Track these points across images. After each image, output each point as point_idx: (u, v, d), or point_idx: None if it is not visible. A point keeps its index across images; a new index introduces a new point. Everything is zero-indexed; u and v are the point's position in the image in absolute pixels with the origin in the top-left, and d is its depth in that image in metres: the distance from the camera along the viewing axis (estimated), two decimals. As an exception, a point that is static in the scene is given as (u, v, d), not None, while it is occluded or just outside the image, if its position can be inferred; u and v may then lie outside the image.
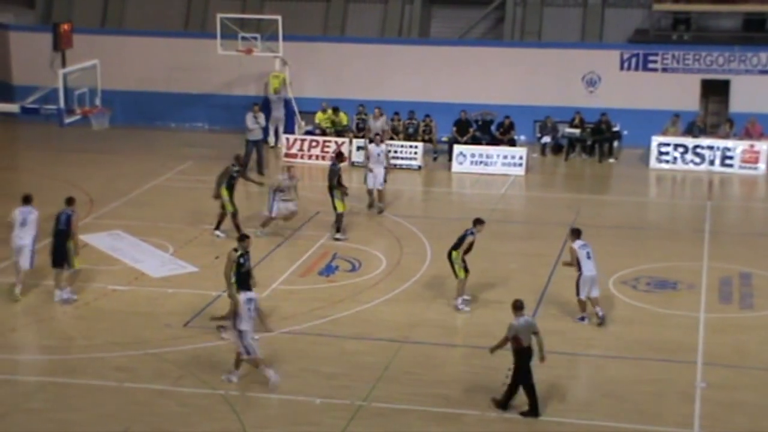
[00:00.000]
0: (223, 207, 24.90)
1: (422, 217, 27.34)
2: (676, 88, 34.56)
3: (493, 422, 16.63)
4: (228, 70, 35.97)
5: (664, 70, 34.90)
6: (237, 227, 24.60)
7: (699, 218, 27.77)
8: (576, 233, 20.64)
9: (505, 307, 21.08)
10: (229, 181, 24.78)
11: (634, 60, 35.08)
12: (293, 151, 33.20)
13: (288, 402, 17.17)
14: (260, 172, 30.93)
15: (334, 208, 25.19)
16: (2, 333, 19.69)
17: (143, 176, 30.38)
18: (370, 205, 27.68)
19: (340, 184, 25.21)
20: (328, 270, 23.25)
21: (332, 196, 25.18)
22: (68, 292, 21.09)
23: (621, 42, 36.78)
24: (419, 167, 32.21)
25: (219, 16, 34.95)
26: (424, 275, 22.79)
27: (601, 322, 20.32)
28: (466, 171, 32.00)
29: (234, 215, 24.79)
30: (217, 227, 25.08)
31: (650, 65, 35.00)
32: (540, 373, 18.25)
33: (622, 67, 35.15)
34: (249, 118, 31.37)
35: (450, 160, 32.52)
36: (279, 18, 34.21)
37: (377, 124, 32.08)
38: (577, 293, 20.41)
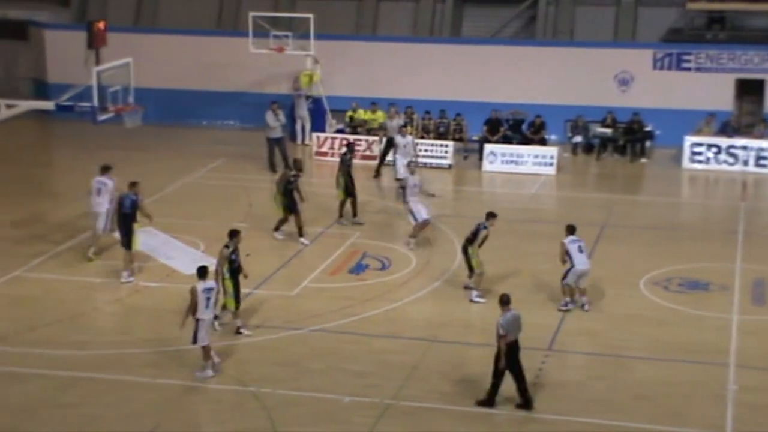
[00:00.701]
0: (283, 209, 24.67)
1: (452, 216, 27.27)
2: (710, 88, 34.32)
3: (522, 422, 16.60)
4: (260, 69, 36.08)
5: (698, 69, 34.67)
6: (276, 229, 24.58)
7: (732, 219, 27.57)
8: (569, 229, 21.13)
9: (535, 307, 21.17)
10: (286, 186, 24.50)
11: (667, 59, 34.87)
12: (324, 149, 33.27)
13: (317, 400, 17.21)
14: (287, 166, 31.05)
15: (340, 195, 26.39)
16: (36, 328, 19.87)
17: (175, 174, 30.54)
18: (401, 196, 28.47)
19: (349, 175, 26.24)
20: (358, 268, 23.29)
21: (337, 184, 26.29)
22: (126, 275, 22.11)
23: (654, 41, 36.56)
24: (450, 166, 32.19)
25: (251, 14, 35.08)
26: (454, 274, 22.76)
27: (584, 306, 20.91)
28: (496, 170, 31.94)
29: (281, 221, 24.59)
30: (277, 228, 24.82)
31: (684, 64, 34.78)
32: (571, 373, 18.26)
33: (655, 67, 34.96)
34: (269, 116, 31.43)
35: (481, 159, 32.48)
36: (311, 16, 34.29)
37: (392, 123, 31.94)
38: (563, 278, 20.78)
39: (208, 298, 17.68)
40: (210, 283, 17.93)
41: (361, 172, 31.65)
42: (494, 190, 31.09)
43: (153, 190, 28.84)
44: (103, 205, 22.99)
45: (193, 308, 17.61)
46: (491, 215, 21.59)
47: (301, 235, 24.61)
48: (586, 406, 17.09)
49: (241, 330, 19.68)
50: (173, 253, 23.94)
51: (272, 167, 31.28)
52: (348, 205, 26.41)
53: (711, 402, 17.32)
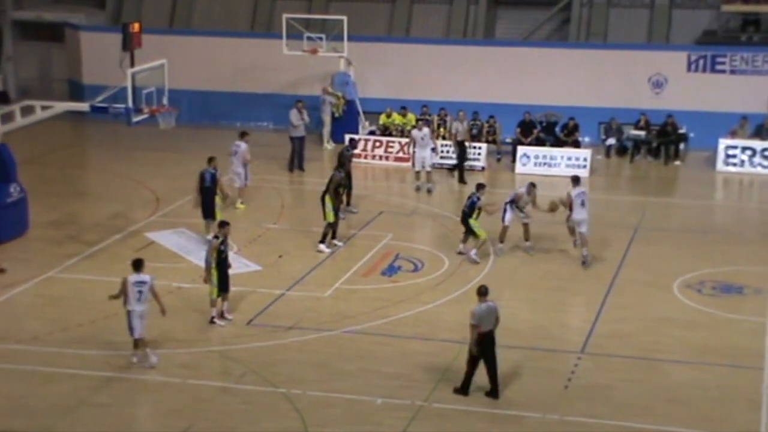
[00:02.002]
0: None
1: (484, 217, 27.17)
2: (744, 90, 34.01)
3: (555, 424, 16.56)
4: (293, 70, 36.18)
5: (733, 71, 34.40)
6: (324, 236, 24.08)
7: (766, 222, 27.38)
8: (575, 180, 23.62)
9: (569, 309, 21.12)
10: (336, 189, 24.34)
11: (701, 61, 34.64)
12: (357, 150, 33.24)
13: (349, 401, 17.24)
14: (301, 167, 31.29)
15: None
16: (70, 328, 20.02)
17: (208, 175, 30.62)
18: (418, 189, 29.42)
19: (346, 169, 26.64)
20: (391, 270, 23.30)
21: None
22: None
23: (688, 43, 36.34)
24: (483, 168, 32.11)
25: (285, 16, 35.19)
26: (486, 276, 22.72)
27: (585, 261, 23.20)
28: (529, 172, 31.79)
29: (329, 229, 24.20)
30: (323, 240, 24.23)
31: (718, 67, 34.52)
32: (604, 376, 18.19)
33: (689, 69, 34.71)
34: (293, 115, 31.62)
35: (514, 161, 32.41)
36: (344, 18, 34.35)
37: (461, 127, 31.51)
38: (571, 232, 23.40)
39: (140, 291, 18.02)
40: (143, 276, 18.19)
41: (394, 174, 31.75)
42: (527, 192, 30.98)
43: (186, 192, 28.98)
44: (238, 165, 27.15)
45: (123, 299, 18.06)
46: (481, 186, 23.80)
47: (334, 237, 24.63)
48: (619, 409, 17.02)
49: (215, 320, 20.21)
50: (204, 253, 23.97)
51: (299, 165, 31.41)
52: (343, 197, 26.31)
53: (745, 406, 17.20)
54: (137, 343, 18.32)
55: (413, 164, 30.07)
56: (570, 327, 20.28)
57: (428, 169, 29.34)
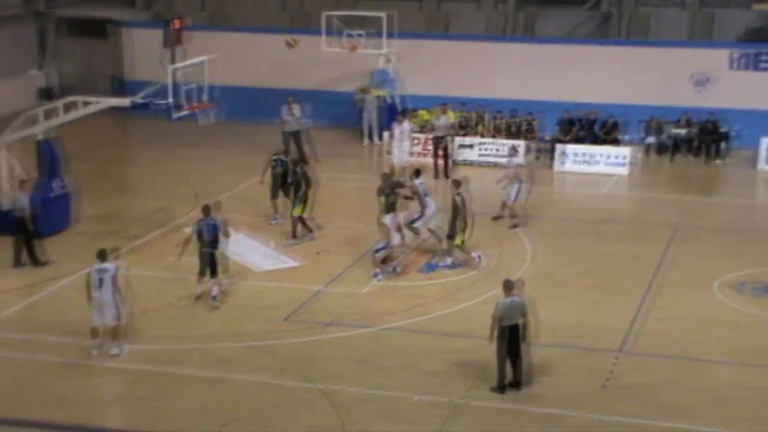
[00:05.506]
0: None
1: (523, 216, 27.10)
2: (788, 89, 33.73)
3: (594, 424, 16.48)
4: (333, 67, 36.23)
5: (776, 69, 34.11)
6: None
7: (809, 222, 27.11)
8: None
9: (607, 308, 21.01)
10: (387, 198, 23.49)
11: (744, 59, 34.32)
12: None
13: (386, 398, 17.25)
14: (304, 162, 31.38)
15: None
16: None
17: (247, 171, 30.67)
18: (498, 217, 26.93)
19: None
20: (428, 268, 23.28)
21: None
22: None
23: (731, 41, 36.01)
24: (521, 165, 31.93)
25: (324, 13, 35.27)
26: (524, 275, 22.59)
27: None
28: (568, 170, 31.72)
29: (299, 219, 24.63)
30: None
31: (762, 65, 34.19)
32: (644, 376, 18.08)
33: (731, 67, 34.42)
34: (284, 110, 31.94)
35: (552, 159, 32.28)
36: (383, 15, 34.35)
37: (440, 122, 31.50)
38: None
39: (100, 279, 18.34)
40: (105, 265, 18.46)
41: (427, 171, 31.72)
42: (565, 191, 30.88)
43: (226, 187, 29.17)
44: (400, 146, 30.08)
45: (87, 288, 18.54)
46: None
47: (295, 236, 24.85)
48: (658, 410, 16.90)
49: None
50: (244, 250, 24.09)
51: (302, 159, 31.55)
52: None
53: (787, 408, 17.05)
54: (94, 332, 18.59)
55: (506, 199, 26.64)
56: (609, 326, 20.16)
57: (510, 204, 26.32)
